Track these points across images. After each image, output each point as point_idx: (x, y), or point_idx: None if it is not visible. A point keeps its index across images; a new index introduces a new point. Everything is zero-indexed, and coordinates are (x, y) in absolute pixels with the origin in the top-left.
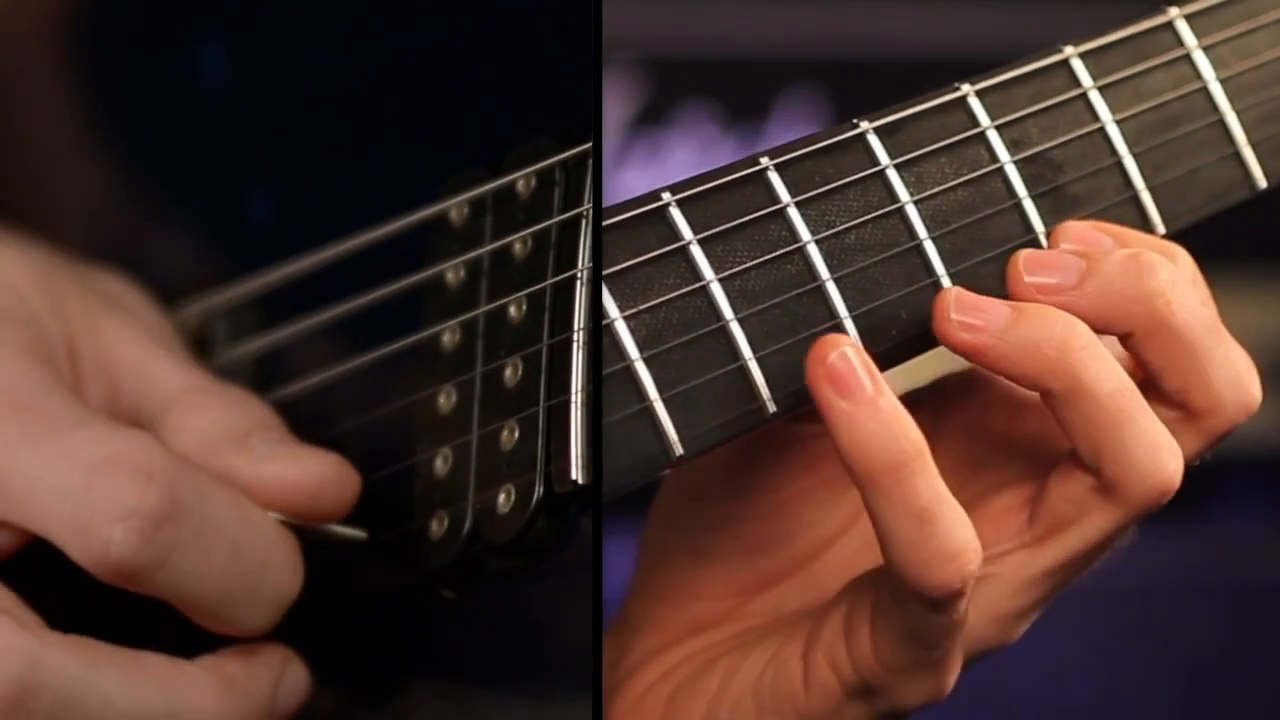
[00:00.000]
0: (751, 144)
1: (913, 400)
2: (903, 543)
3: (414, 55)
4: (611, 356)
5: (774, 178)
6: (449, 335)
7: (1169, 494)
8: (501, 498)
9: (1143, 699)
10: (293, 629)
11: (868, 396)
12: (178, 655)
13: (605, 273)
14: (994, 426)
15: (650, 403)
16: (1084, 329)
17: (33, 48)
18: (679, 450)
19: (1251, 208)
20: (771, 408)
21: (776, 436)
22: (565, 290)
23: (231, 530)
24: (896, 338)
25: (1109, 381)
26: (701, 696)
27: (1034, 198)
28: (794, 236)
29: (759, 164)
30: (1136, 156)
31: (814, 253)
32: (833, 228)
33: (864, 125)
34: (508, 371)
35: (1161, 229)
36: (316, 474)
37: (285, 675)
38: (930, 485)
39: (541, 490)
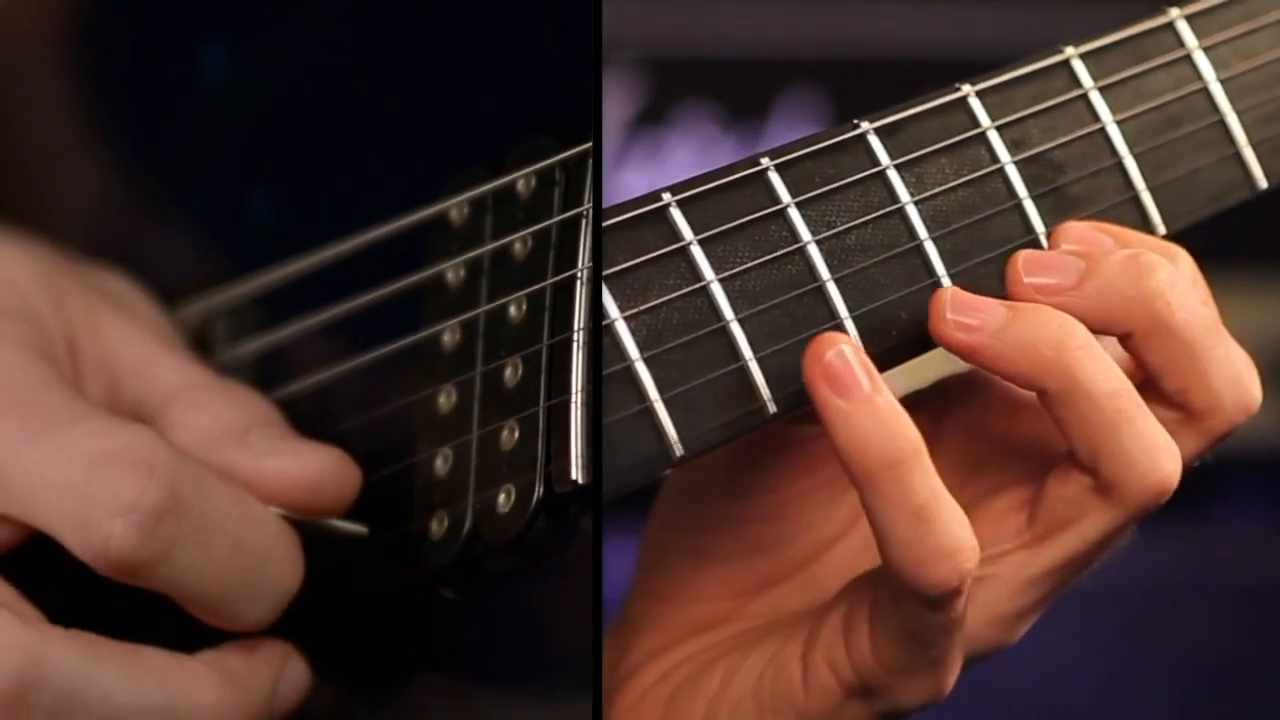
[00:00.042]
0: (751, 144)
1: (914, 401)
2: (900, 541)
3: (414, 55)
4: (612, 356)
5: (774, 178)
6: (449, 335)
7: (1167, 494)
8: (501, 498)
9: (1143, 699)
10: (293, 625)
11: (864, 394)
12: (178, 650)
13: (605, 273)
14: (994, 428)
15: (650, 403)
16: (1080, 329)
17: (33, 48)
18: (679, 450)
19: (1251, 208)
20: (772, 408)
21: (777, 437)
22: (565, 290)
23: (232, 525)
24: (897, 338)
25: (1105, 381)
26: (701, 697)
27: (1034, 198)
28: (794, 237)
29: (759, 164)
30: (1137, 157)
31: (814, 253)
32: (833, 228)
33: (864, 126)
34: (508, 371)
35: (1162, 229)
36: (317, 468)
37: (285, 671)
38: (927, 483)
39: (541, 490)
